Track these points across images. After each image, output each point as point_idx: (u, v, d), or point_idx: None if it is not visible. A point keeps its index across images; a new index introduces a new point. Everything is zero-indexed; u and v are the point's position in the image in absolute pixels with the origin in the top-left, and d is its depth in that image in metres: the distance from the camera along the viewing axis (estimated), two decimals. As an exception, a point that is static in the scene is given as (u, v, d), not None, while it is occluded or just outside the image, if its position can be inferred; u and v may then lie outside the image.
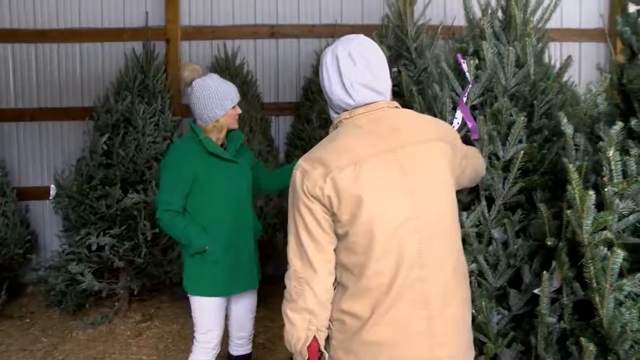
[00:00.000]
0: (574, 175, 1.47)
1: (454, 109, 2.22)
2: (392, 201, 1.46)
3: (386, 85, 1.59)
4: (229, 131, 2.61)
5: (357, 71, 1.53)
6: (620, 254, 1.36)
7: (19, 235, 4.55)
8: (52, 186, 4.32)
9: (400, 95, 2.86)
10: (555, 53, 2.37)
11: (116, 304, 4.41)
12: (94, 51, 5.23)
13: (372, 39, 1.66)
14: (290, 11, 5.44)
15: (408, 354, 1.45)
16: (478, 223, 2.04)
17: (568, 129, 1.65)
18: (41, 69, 5.23)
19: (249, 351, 2.80)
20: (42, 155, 5.30)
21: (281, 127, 5.59)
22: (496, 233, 2.01)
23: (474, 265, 1.99)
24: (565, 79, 2.53)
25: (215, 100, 2.46)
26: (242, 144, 2.68)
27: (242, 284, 2.61)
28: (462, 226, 2.03)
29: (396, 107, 1.60)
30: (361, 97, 1.54)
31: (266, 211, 4.64)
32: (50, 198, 4.35)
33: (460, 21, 4.40)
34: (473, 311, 1.90)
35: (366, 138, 1.51)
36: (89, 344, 3.92)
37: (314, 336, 1.49)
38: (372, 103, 1.55)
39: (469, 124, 2.08)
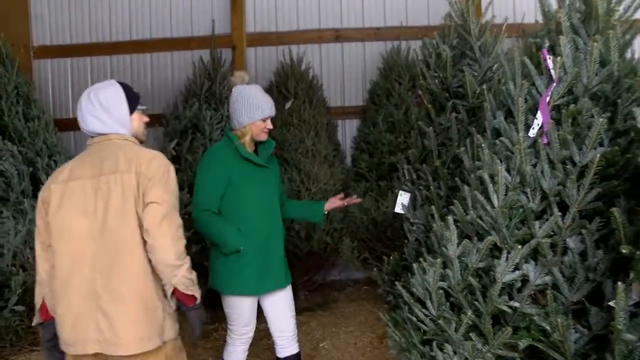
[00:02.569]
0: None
1: (530, 109, 2.07)
2: (76, 216, 1.85)
3: (118, 121, 1.97)
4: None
5: (92, 108, 1.94)
6: None
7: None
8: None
9: (463, 97, 2.72)
10: (633, 46, 2.13)
11: (185, 306, 4.50)
12: (164, 60, 5.43)
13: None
14: (355, 14, 5.38)
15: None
16: (552, 233, 1.87)
17: (647, 127, 1.47)
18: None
19: (295, 351, 2.78)
20: (117, 161, 5.54)
21: (347, 131, 5.54)
22: (572, 242, 1.85)
23: (547, 278, 1.83)
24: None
25: (246, 108, 2.59)
26: (273, 153, 2.78)
27: (273, 282, 2.67)
28: (534, 236, 1.89)
29: (125, 139, 1.97)
30: (92, 127, 1.95)
31: (332, 215, 4.55)
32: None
33: (529, 18, 4.12)
34: (548, 327, 1.76)
35: (84, 163, 1.93)
36: (158, 344, 4.03)
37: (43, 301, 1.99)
38: (104, 134, 1.95)
39: (545, 127, 1.92)
